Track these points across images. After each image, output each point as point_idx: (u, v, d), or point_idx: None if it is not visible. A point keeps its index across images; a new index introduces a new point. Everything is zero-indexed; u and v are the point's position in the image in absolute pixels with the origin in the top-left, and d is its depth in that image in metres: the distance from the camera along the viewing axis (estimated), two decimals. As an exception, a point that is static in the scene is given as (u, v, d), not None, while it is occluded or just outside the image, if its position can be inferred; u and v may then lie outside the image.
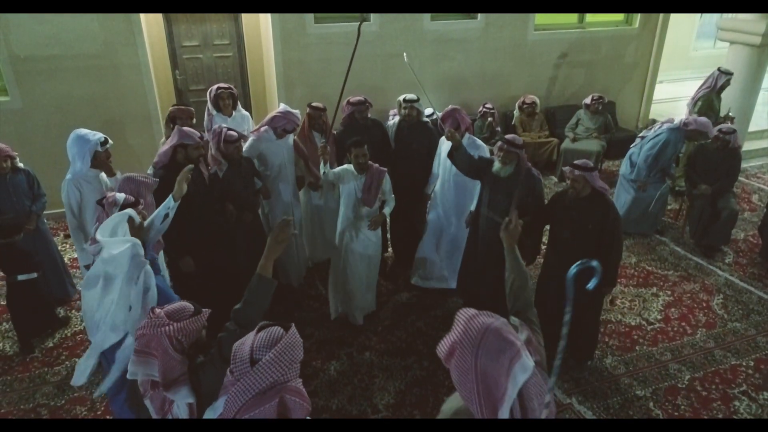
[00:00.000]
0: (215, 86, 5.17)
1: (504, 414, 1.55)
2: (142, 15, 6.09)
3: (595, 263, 1.87)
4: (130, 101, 6.24)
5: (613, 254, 3.74)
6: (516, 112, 7.67)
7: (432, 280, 4.98)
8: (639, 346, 4.40)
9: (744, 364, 4.19)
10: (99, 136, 4.07)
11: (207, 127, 5.19)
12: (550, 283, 3.92)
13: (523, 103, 7.52)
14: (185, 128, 3.89)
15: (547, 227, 4.14)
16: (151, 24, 6.68)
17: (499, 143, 3.94)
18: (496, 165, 3.95)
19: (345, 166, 4.26)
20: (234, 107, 5.23)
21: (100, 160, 4.08)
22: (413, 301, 4.92)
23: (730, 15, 12.42)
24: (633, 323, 4.64)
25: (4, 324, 4.61)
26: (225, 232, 4.21)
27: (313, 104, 4.80)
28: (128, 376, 2.09)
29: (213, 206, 4.06)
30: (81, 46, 5.84)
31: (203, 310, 2.15)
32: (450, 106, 4.58)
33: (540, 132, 7.61)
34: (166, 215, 3.08)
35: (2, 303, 4.89)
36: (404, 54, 4.80)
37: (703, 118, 5.73)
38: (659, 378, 4.06)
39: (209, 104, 5.17)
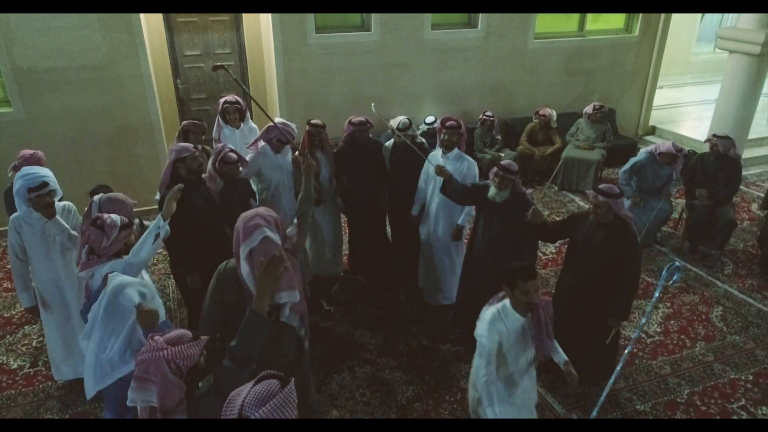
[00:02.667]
0: (223, 99, 5.20)
1: None
2: (144, 26, 6.12)
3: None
4: (133, 112, 6.27)
5: (629, 286, 3.66)
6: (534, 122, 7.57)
7: (439, 298, 4.97)
8: (638, 359, 4.43)
9: (743, 378, 4.22)
10: (31, 180, 3.50)
11: (216, 137, 5.25)
12: (564, 302, 3.90)
13: (537, 114, 7.43)
14: (177, 144, 3.98)
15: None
16: (153, 34, 6.71)
17: (495, 169, 3.96)
18: (492, 191, 3.96)
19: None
20: (242, 119, 5.26)
21: (36, 204, 3.54)
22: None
23: (729, 24, 12.49)
24: (633, 336, 4.66)
25: (8, 337, 4.65)
26: (227, 250, 4.24)
27: (312, 121, 4.79)
28: (128, 403, 2.11)
29: (218, 222, 4.09)
30: (84, 58, 5.87)
31: (202, 337, 2.17)
32: (458, 119, 4.52)
33: (544, 147, 7.50)
34: (158, 235, 3.10)
35: (5, 315, 4.93)
36: (372, 105, 4.73)
37: (666, 143, 5.71)
38: (659, 392, 4.09)
39: (218, 116, 5.22)
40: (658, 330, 4.75)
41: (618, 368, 3.01)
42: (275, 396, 1.67)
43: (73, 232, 3.69)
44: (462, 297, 4.43)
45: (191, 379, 2.12)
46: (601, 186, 3.59)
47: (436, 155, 4.56)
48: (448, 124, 4.44)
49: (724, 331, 4.75)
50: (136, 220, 4.49)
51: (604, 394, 2.90)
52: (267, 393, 1.68)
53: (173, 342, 2.08)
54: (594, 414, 1.78)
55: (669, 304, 5.09)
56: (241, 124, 5.25)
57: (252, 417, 1.63)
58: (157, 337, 2.10)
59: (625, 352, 2.27)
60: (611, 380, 2.90)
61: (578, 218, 3.84)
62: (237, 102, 5.21)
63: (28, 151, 4.37)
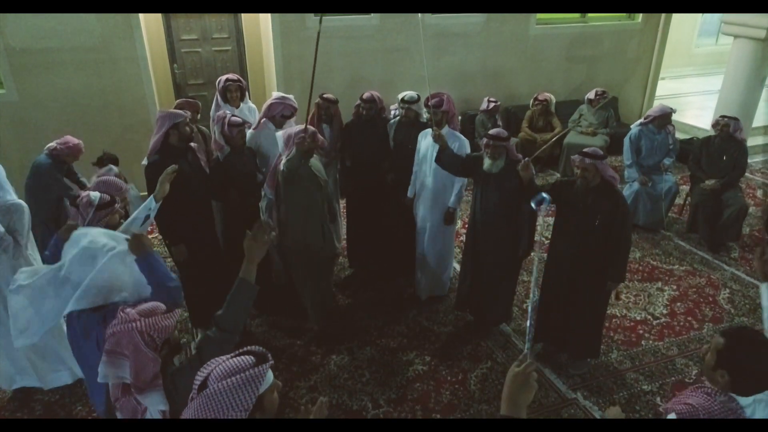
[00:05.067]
0: (224, 77, 5.04)
1: None
2: (139, 8, 6.03)
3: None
4: (128, 95, 6.16)
5: (621, 247, 3.62)
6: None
7: (435, 288, 4.83)
8: (645, 340, 4.32)
9: (752, 358, 4.11)
10: None
11: (213, 117, 5.11)
12: (557, 271, 3.82)
13: (536, 99, 7.34)
14: (166, 110, 3.84)
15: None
16: (149, 17, 6.60)
17: (484, 140, 3.84)
18: (486, 162, 3.85)
19: None
20: (242, 99, 5.15)
21: None
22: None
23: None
24: (638, 318, 4.56)
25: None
26: (223, 220, 4.14)
27: (325, 96, 4.72)
28: (99, 380, 2.02)
29: (213, 192, 3.99)
30: (78, 39, 5.76)
31: (176, 310, 2.09)
32: (444, 94, 4.40)
33: (545, 133, 7.39)
34: (147, 216, 2.99)
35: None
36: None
37: (654, 108, 5.90)
38: (666, 373, 3.99)
39: (217, 95, 5.08)
40: (665, 312, 4.64)
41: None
42: (244, 371, 1.59)
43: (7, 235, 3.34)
44: (465, 277, 4.32)
45: (166, 352, 2.03)
46: (585, 149, 3.55)
47: (427, 135, 4.40)
48: (432, 102, 4.27)
49: (732, 312, 4.65)
50: (130, 190, 4.41)
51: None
52: (238, 367, 1.60)
53: (146, 314, 1.99)
54: (526, 347, 1.70)
55: (675, 287, 4.98)
56: (241, 104, 5.14)
57: (212, 386, 1.56)
58: (128, 309, 2.02)
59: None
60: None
61: (564, 184, 3.79)
62: (239, 80, 5.08)
63: (73, 140, 4.48)
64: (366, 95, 4.74)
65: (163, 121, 3.75)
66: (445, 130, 4.33)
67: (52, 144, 4.44)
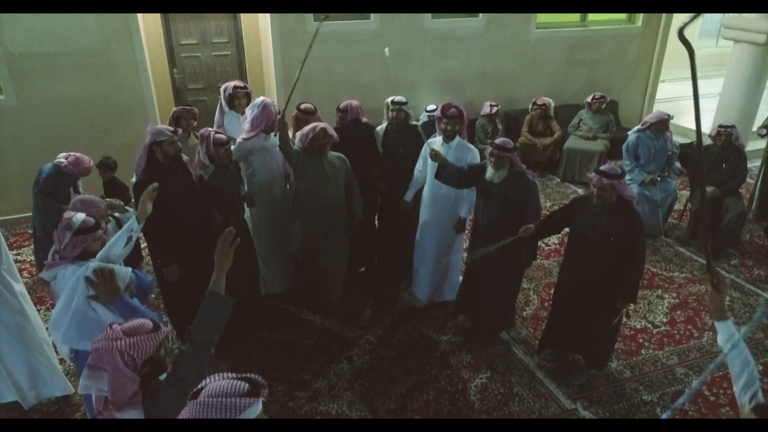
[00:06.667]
0: (231, 84, 4.98)
1: None
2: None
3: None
4: (127, 99, 6.15)
5: (635, 267, 3.55)
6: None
7: (436, 295, 4.81)
8: (645, 349, 4.32)
9: (752, 368, 4.11)
10: None
11: (218, 123, 5.05)
12: (568, 289, 3.80)
13: (534, 104, 7.34)
14: (156, 126, 3.71)
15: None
16: (148, 21, 6.59)
17: (489, 149, 3.83)
18: (489, 171, 3.83)
19: None
20: (248, 105, 5.13)
21: None
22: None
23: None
24: (638, 326, 4.56)
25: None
26: (210, 238, 4.09)
27: (302, 106, 4.65)
28: (80, 391, 2.05)
29: (199, 210, 3.91)
30: (77, 44, 5.74)
31: (163, 328, 2.07)
32: (458, 106, 4.29)
33: (545, 138, 7.38)
34: (129, 238, 2.90)
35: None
36: (386, 50, 4.65)
37: (651, 114, 5.93)
38: (666, 382, 3.98)
39: (222, 101, 5.01)
40: (664, 320, 4.64)
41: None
42: (232, 397, 1.56)
43: None
44: (466, 285, 4.31)
45: (148, 371, 2.02)
46: (602, 167, 3.46)
47: (436, 142, 4.37)
48: (449, 113, 4.17)
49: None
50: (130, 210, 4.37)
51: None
52: (229, 390, 1.58)
53: (131, 332, 1.99)
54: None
55: (675, 295, 4.98)
56: (246, 110, 5.11)
57: (201, 398, 1.56)
58: (115, 326, 2.02)
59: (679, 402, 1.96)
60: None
61: (580, 203, 3.71)
62: (246, 87, 5.04)
63: (85, 162, 4.36)
64: (342, 104, 4.70)
65: (148, 136, 3.65)
66: (456, 142, 4.30)
67: (62, 160, 4.24)
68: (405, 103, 4.59)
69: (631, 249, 3.48)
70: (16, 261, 4.20)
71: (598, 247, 3.54)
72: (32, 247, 5.34)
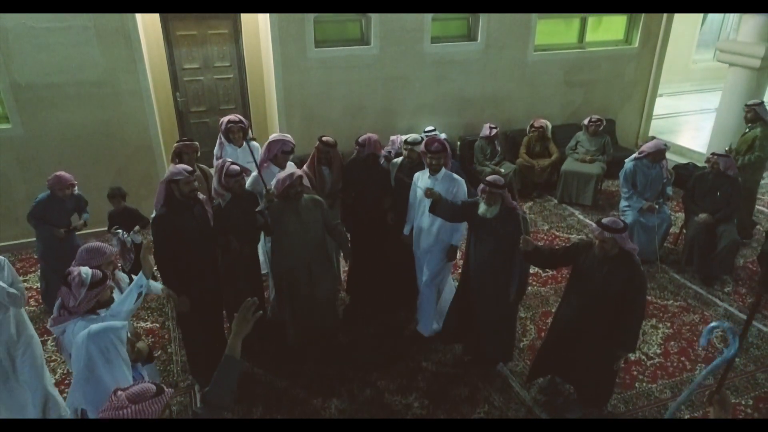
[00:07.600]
0: (226, 119, 5.21)
1: None
2: (143, 40, 6.11)
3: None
4: (131, 127, 6.26)
5: (635, 317, 3.62)
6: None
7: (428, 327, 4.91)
8: (638, 382, 4.41)
9: (743, 402, 4.21)
10: None
11: (217, 155, 5.28)
12: (562, 332, 3.89)
13: (532, 126, 7.45)
14: (176, 166, 3.91)
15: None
16: (152, 47, 6.69)
17: (482, 186, 3.95)
18: (482, 207, 3.95)
19: None
20: (245, 137, 5.28)
21: None
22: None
23: (729, 33, 12.46)
24: (632, 358, 4.65)
25: None
26: (224, 267, 4.24)
27: (324, 139, 4.82)
28: None
29: (215, 239, 4.07)
30: (82, 74, 5.85)
31: (167, 390, 2.13)
32: (441, 137, 4.47)
33: (543, 159, 7.49)
34: (140, 294, 3.01)
35: None
36: None
37: (648, 143, 5.97)
38: (659, 417, 4.08)
39: (220, 134, 5.24)
40: (658, 352, 4.74)
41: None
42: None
43: (11, 290, 3.31)
44: (453, 314, 4.43)
45: None
46: (604, 221, 3.51)
47: (423, 176, 4.53)
48: (433, 147, 4.34)
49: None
50: (127, 237, 4.62)
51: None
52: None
53: (135, 399, 2.04)
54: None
55: (669, 324, 5.08)
56: (244, 143, 5.26)
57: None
58: (119, 392, 2.07)
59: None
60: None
61: (580, 248, 3.76)
62: (240, 121, 5.23)
63: (58, 173, 4.77)
64: (361, 138, 4.86)
65: (167, 173, 3.85)
66: (442, 173, 4.45)
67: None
68: (419, 143, 4.74)
69: (631, 302, 3.55)
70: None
71: (597, 297, 3.61)
72: (38, 273, 5.48)
